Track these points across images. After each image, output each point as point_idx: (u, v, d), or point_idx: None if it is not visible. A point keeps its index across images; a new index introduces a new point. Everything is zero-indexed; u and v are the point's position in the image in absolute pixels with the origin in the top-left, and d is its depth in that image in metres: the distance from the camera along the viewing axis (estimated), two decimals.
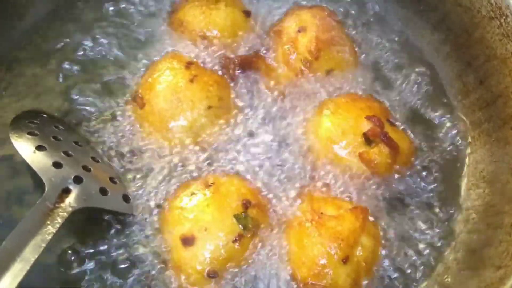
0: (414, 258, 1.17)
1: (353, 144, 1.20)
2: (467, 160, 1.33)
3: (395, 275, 1.14)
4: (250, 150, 1.24)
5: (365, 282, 1.09)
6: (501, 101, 1.25)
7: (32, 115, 1.23)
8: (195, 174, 1.20)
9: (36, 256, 0.95)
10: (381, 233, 1.16)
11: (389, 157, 1.19)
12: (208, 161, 1.22)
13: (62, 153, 1.14)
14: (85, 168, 1.13)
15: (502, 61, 1.23)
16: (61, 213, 1.03)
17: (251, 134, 1.26)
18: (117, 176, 1.19)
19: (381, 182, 1.21)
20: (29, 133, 1.15)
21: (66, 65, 1.36)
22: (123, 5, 1.47)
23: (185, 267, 1.07)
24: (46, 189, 1.04)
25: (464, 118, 1.37)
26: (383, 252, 1.14)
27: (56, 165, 1.10)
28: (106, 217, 1.14)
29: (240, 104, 1.30)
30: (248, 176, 1.20)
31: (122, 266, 1.11)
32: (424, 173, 1.27)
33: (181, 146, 1.23)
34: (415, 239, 1.19)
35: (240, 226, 1.08)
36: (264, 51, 1.38)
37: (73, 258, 1.11)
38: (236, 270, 1.08)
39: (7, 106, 1.29)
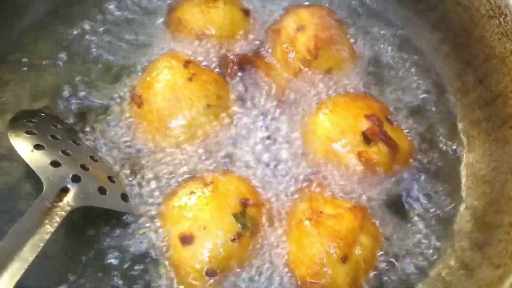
0: (413, 257, 1.16)
1: (352, 143, 1.20)
2: (466, 159, 1.33)
3: (394, 274, 1.13)
4: (248, 149, 1.24)
5: (364, 281, 1.09)
6: (500, 100, 1.25)
7: (30, 114, 1.23)
8: (194, 173, 1.20)
9: (34, 255, 0.95)
10: (380, 232, 1.15)
11: (388, 156, 1.19)
12: (207, 160, 1.22)
13: (60, 152, 1.13)
14: (83, 167, 1.13)
15: (501, 60, 1.23)
16: (59, 212, 1.02)
17: (249, 133, 1.26)
18: (115, 175, 1.19)
19: (380, 181, 1.21)
20: (27, 132, 1.15)
21: (65, 64, 1.36)
22: (122, 4, 1.47)
23: (184, 266, 1.06)
24: (44, 188, 1.04)
25: (464, 117, 1.37)
26: (382, 251, 1.14)
27: (54, 164, 1.10)
28: (104, 216, 1.14)
29: (239, 102, 1.30)
30: (247, 175, 1.20)
31: (120, 265, 1.11)
32: (423, 172, 1.27)
33: (179, 145, 1.23)
34: (414, 238, 1.19)
35: (239, 225, 1.07)
36: (263, 50, 1.38)
37: (70, 257, 1.11)
38: (235, 269, 1.08)
39: (5, 105, 1.29)
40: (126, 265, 1.11)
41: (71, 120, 1.27)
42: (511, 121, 1.21)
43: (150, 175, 1.20)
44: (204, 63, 1.33)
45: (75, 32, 1.42)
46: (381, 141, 1.18)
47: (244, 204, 1.10)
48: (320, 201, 1.14)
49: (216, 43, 1.36)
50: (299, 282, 1.07)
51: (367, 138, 1.19)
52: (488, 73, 1.28)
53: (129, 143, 1.24)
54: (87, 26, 1.43)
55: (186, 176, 1.20)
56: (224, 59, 1.33)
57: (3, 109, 1.28)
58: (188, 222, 1.08)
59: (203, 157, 1.22)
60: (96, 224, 1.14)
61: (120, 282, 1.09)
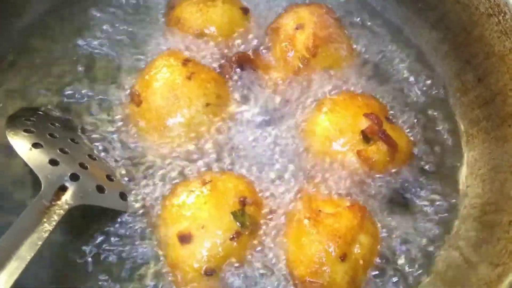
0: (413, 255, 1.16)
1: (351, 142, 1.20)
2: (465, 158, 1.32)
3: (393, 272, 1.13)
4: (247, 148, 1.24)
5: (363, 280, 1.09)
6: (499, 99, 1.24)
7: (29, 113, 1.23)
8: (192, 172, 1.20)
9: (33, 254, 0.94)
10: (379, 231, 1.15)
11: (387, 155, 1.19)
12: (205, 159, 1.22)
13: (58, 151, 1.13)
14: (82, 166, 1.13)
15: (501, 58, 1.22)
16: (57, 211, 1.02)
17: (248, 132, 1.26)
18: (114, 173, 1.18)
19: (379, 180, 1.21)
20: (25, 131, 1.14)
21: (63, 63, 1.36)
22: (121, 3, 1.47)
23: (182, 265, 1.06)
24: (42, 187, 1.04)
25: (463, 116, 1.37)
26: (381, 249, 1.14)
27: (53, 162, 1.10)
28: (102, 215, 1.14)
29: (238, 101, 1.29)
30: (246, 174, 1.20)
31: (118, 264, 1.11)
32: (422, 171, 1.26)
33: (178, 144, 1.22)
34: (413, 236, 1.18)
35: (238, 223, 1.07)
36: (262, 49, 1.38)
37: (68, 256, 1.11)
38: (234, 267, 1.08)
39: (4, 103, 1.29)
40: (124, 264, 1.11)
41: (69, 119, 1.27)
42: (510, 120, 1.21)
43: (149, 174, 1.20)
44: (203, 62, 1.33)
45: (74, 31, 1.41)
46: (380, 140, 1.17)
47: (243, 202, 1.10)
48: (319, 200, 1.14)
49: (215, 42, 1.36)
50: (298, 282, 1.07)
51: (366, 137, 1.19)
52: (488, 72, 1.28)
53: (127, 142, 1.24)
54: (86, 25, 1.42)
55: (184, 174, 1.19)
56: (223, 57, 1.33)
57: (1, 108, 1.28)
58: (187, 221, 1.07)
59: (202, 156, 1.22)
60: (94, 222, 1.14)
61: (118, 281, 1.09)
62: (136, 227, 1.14)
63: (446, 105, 1.39)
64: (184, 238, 1.06)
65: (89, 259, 1.11)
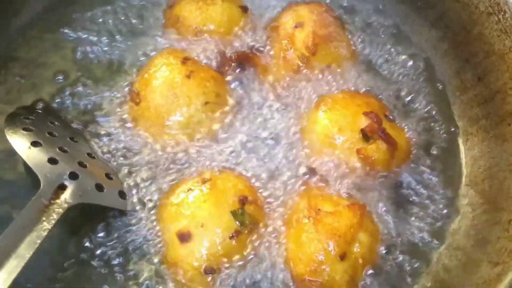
0: (412, 254, 1.16)
1: (350, 141, 1.20)
2: (465, 157, 1.33)
3: (393, 271, 1.13)
4: (247, 146, 1.24)
5: (362, 279, 1.09)
6: (499, 97, 1.24)
7: (28, 111, 1.22)
8: (191, 170, 1.19)
9: (31, 253, 0.94)
10: (379, 229, 1.15)
11: (387, 154, 1.19)
12: (204, 157, 1.22)
13: (57, 149, 1.13)
14: (81, 164, 1.13)
15: (500, 57, 1.22)
16: (56, 210, 1.02)
17: (248, 130, 1.26)
18: (113, 172, 1.18)
19: (378, 178, 1.21)
20: (24, 129, 1.14)
21: (62, 62, 1.36)
22: (120, 2, 1.46)
23: (182, 264, 1.06)
24: (41, 185, 1.04)
25: (462, 115, 1.37)
26: (381, 248, 1.14)
27: (52, 161, 1.10)
28: (101, 213, 1.14)
29: (237, 100, 1.29)
30: (245, 172, 1.20)
31: (118, 262, 1.10)
32: (421, 170, 1.27)
33: (177, 142, 1.22)
34: (413, 235, 1.19)
35: (237, 222, 1.07)
36: (261, 47, 1.38)
37: (67, 255, 1.11)
38: (233, 266, 1.08)
39: (1, 102, 1.28)
40: (123, 263, 1.11)
41: (68, 117, 1.26)
42: (509, 118, 1.21)
43: (148, 172, 1.20)
44: (202, 60, 1.32)
45: (72, 29, 1.41)
46: (380, 138, 1.17)
47: (242, 201, 1.10)
48: (319, 199, 1.14)
49: (214, 40, 1.35)
50: (298, 280, 1.07)
51: (366, 136, 1.19)
52: (487, 71, 1.28)
53: (126, 140, 1.24)
54: (84, 23, 1.42)
55: (183, 173, 1.19)
56: (222, 56, 1.33)
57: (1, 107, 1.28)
58: (186, 220, 1.07)
59: (201, 155, 1.22)
60: (93, 221, 1.14)
61: (117, 279, 1.09)
62: (135, 226, 1.14)
63: (446, 103, 1.39)
64: (184, 237, 1.06)
65: (88, 258, 1.10)
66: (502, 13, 1.21)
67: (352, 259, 1.06)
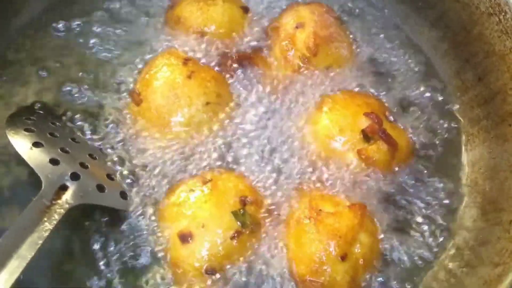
0: (412, 255, 1.16)
1: (351, 141, 1.20)
2: (465, 157, 1.33)
3: (393, 272, 1.13)
4: (248, 147, 1.24)
5: (363, 279, 1.09)
6: (499, 98, 1.25)
7: (29, 112, 1.22)
8: (193, 171, 1.19)
9: (33, 253, 0.94)
10: (379, 230, 1.15)
11: (387, 154, 1.19)
12: (205, 158, 1.22)
13: (59, 150, 1.13)
14: (82, 165, 1.13)
15: (501, 58, 1.23)
16: (58, 210, 1.02)
17: (249, 131, 1.26)
18: (114, 172, 1.18)
19: (379, 179, 1.21)
20: (26, 130, 1.14)
21: (62, 61, 1.36)
22: (120, 2, 1.46)
23: (183, 264, 1.06)
24: (43, 186, 1.04)
25: (463, 115, 1.37)
26: (381, 249, 1.14)
27: (53, 161, 1.09)
28: (103, 214, 1.14)
29: (238, 100, 1.29)
30: (246, 173, 1.20)
31: (118, 263, 1.10)
32: (422, 170, 1.27)
33: (178, 143, 1.22)
34: (414, 236, 1.18)
35: (238, 223, 1.07)
36: (262, 47, 1.38)
37: (68, 255, 1.11)
38: (234, 267, 1.08)
39: (2, 103, 1.28)
40: (124, 264, 1.10)
41: (68, 118, 1.26)
42: (510, 119, 1.21)
43: (149, 173, 1.19)
44: (203, 61, 1.32)
45: (73, 29, 1.41)
46: (380, 139, 1.18)
47: (244, 202, 1.10)
48: (320, 199, 1.14)
49: (215, 41, 1.36)
50: (299, 281, 1.07)
51: (366, 136, 1.19)
52: (488, 71, 1.28)
53: (127, 141, 1.23)
54: (85, 24, 1.42)
55: (184, 173, 1.19)
56: (223, 56, 1.33)
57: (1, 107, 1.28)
58: (187, 220, 1.08)
59: (202, 155, 1.22)
60: (94, 222, 1.14)
61: (118, 280, 1.09)
62: (136, 227, 1.14)
63: (446, 104, 1.39)
64: (185, 237, 1.06)
65: (89, 258, 1.10)
66: (503, 13, 1.21)
67: (353, 260, 1.06)
